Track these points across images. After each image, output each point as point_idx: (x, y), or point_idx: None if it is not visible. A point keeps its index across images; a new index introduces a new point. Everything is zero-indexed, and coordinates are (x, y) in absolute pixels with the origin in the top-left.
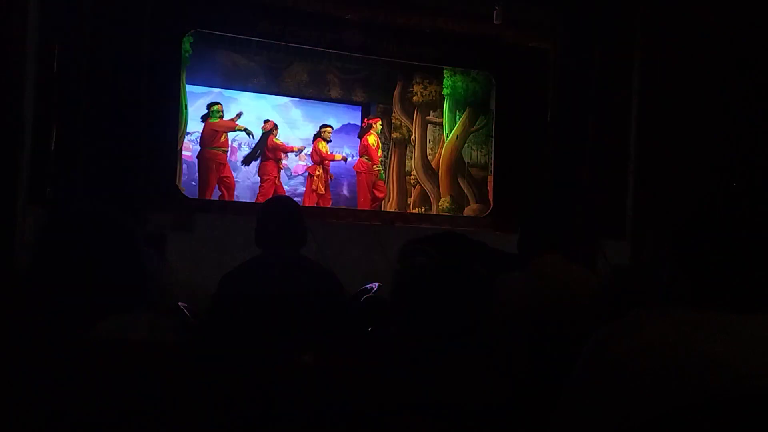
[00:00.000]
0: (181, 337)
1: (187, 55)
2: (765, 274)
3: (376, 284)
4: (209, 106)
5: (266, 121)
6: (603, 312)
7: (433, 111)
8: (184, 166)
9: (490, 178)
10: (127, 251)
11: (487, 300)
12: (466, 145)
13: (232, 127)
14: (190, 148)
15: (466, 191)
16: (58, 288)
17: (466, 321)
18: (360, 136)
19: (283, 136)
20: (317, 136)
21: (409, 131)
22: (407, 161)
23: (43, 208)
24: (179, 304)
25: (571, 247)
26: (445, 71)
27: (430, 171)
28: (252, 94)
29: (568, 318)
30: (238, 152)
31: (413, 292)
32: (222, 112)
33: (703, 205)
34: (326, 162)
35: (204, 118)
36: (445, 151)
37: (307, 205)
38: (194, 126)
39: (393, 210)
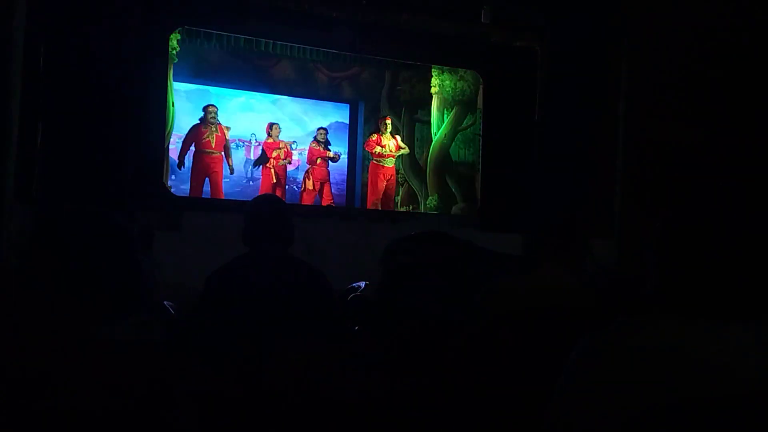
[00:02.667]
0: (166, 336)
1: (174, 52)
2: (751, 280)
3: (364, 283)
4: (204, 108)
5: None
6: (592, 318)
7: (421, 109)
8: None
9: (478, 177)
10: (124, 253)
11: (476, 298)
12: (453, 143)
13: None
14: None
15: (453, 190)
16: (53, 288)
17: (452, 318)
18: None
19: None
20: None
21: (397, 129)
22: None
23: (29, 206)
24: (165, 302)
25: (573, 257)
26: (433, 70)
27: (417, 169)
28: (239, 91)
29: (561, 326)
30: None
31: (398, 291)
32: (215, 114)
33: (687, 209)
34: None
35: (201, 120)
36: (432, 149)
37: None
38: (181, 123)
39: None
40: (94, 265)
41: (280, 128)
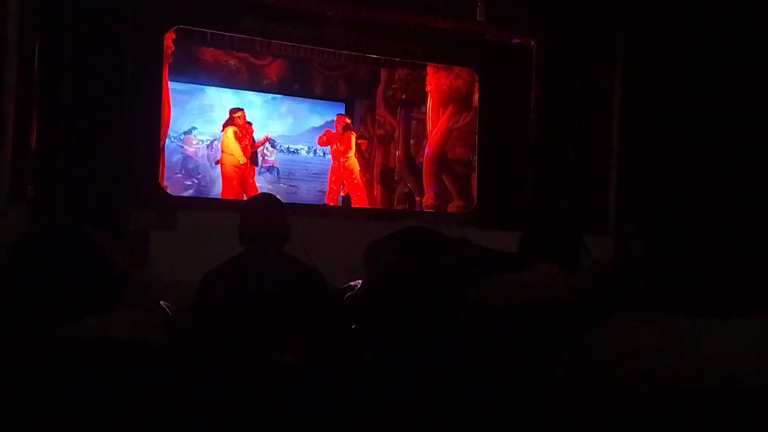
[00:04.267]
0: (162, 336)
1: (169, 51)
2: (747, 277)
3: (360, 281)
4: (232, 111)
5: None
6: (587, 315)
7: (417, 107)
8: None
9: (474, 175)
10: (88, 261)
11: (464, 289)
12: (449, 141)
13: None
14: (192, 144)
15: (449, 188)
16: (30, 296)
17: (440, 314)
18: None
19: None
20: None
21: (393, 128)
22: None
23: (24, 205)
24: (161, 302)
25: (568, 254)
26: (428, 67)
27: (413, 167)
28: (235, 90)
29: (556, 323)
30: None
31: (384, 291)
32: (243, 119)
33: (681, 206)
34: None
35: (226, 124)
36: (428, 147)
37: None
38: (176, 123)
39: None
40: (58, 272)
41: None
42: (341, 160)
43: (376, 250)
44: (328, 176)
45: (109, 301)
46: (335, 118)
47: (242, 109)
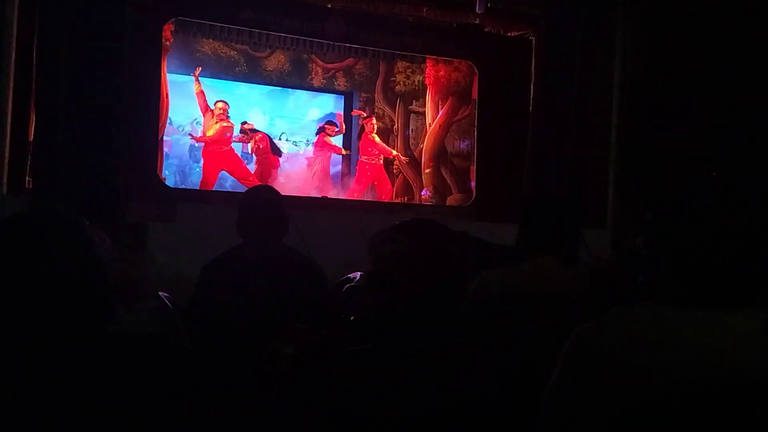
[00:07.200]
0: (161, 328)
1: (168, 43)
2: (742, 269)
3: (359, 274)
4: (215, 103)
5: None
6: (586, 308)
7: (416, 100)
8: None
9: (473, 168)
10: (73, 248)
11: (465, 282)
12: (448, 134)
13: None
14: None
15: (448, 181)
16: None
17: (444, 303)
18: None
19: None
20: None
21: (392, 120)
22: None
23: (22, 198)
24: (160, 293)
25: (566, 246)
26: (427, 60)
27: (412, 160)
28: (233, 82)
29: (554, 315)
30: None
31: (387, 279)
32: (223, 109)
33: (677, 200)
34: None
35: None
36: (427, 140)
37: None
38: (175, 115)
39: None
40: (44, 261)
41: None
42: (371, 157)
43: (381, 240)
44: (356, 173)
45: (96, 295)
46: (336, 114)
47: (223, 101)
